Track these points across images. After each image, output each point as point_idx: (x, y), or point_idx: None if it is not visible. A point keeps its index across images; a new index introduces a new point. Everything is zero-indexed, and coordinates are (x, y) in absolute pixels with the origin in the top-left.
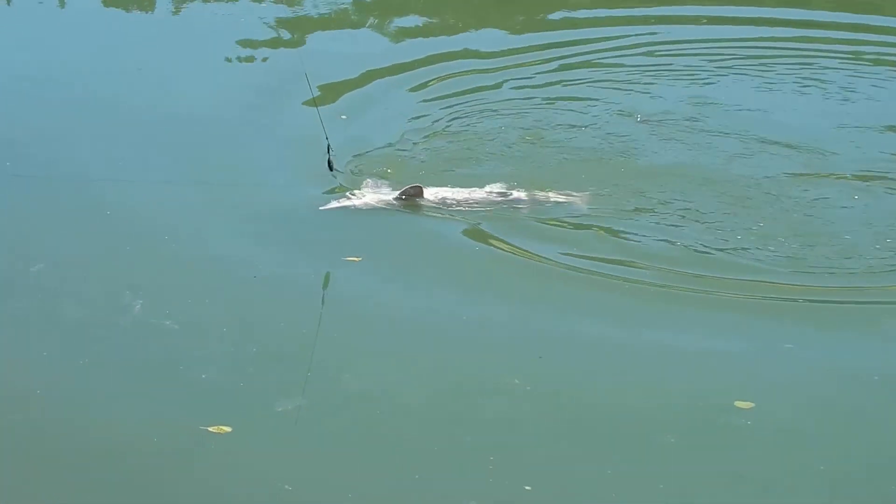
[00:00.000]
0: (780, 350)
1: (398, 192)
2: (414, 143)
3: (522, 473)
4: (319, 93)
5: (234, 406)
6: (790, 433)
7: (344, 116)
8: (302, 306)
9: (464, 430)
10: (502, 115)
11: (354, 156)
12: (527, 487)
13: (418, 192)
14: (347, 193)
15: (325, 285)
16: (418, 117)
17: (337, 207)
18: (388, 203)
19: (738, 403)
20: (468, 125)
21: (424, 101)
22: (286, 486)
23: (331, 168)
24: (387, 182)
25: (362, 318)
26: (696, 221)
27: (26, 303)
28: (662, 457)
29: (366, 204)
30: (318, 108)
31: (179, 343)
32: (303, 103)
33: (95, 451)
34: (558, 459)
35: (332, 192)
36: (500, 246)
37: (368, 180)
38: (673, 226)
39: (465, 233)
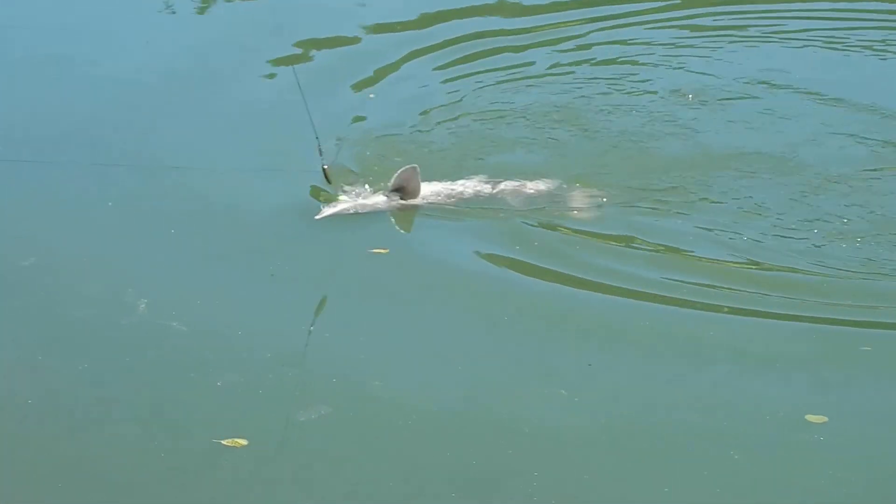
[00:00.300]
0: (855, 359)
1: (392, 182)
2: (418, 125)
3: (570, 491)
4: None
5: (250, 416)
6: (866, 451)
7: (372, 95)
8: (324, 306)
9: (504, 443)
10: (530, 90)
11: (346, 139)
12: None
13: (412, 177)
14: (340, 197)
15: (320, 307)
16: (432, 90)
17: (332, 214)
18: (385, 202)
19: (810, 417)
20: (491, 102)
21: (438, 68)
22: None
23: (328, 180)
24: (373, 183)
25: (391, 319)
26: (761, 217)
27: (17, 301)
28: (726, 475)
29: (362, 206)
30: (304, 91)
31: (188, 347)
32: (274, 64)
33: (95, 467)
34: (610, 476)
35: (319, 194)
36: (544, 250)
37: (360, 184)
38: (729, 231)
39: (500, 234)
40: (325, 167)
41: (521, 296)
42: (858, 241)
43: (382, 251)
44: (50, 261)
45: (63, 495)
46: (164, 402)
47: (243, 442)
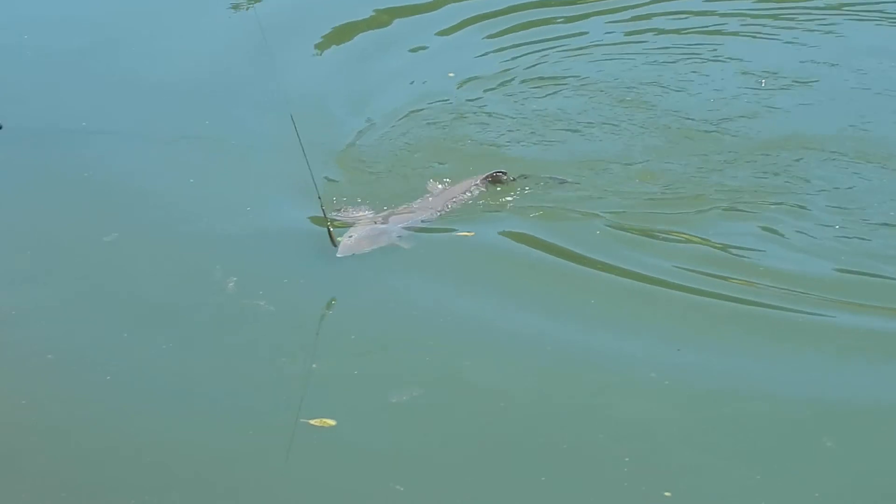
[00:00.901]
0: None
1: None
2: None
3: (661, 478)
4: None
5: (338, 396)
6: None
7: (452, 74)
8: (415, 287)
9: (595, 428)
10: (587, 70)
11: (374, 136)
12: (666, 493)
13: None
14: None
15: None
16: (471, 63)
17: (352, 252)
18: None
19: None
20: (544, 86)
21: (483, 40)
22: (398, 487)
23: (333, 242)
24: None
25: (482, 303)
26: (847, 212)
27: (99, 278)
28: (818, 462)
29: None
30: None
31: (274, 326)
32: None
33: (179, 446)
34: (701, 463)
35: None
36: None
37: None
38: (814, 221)
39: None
40: (330, 228)
41: (613, 278)
42: None
43: (468, 234)
44: (129, 237)
45: (148, 472)
46: (249, 381)
47: (331, 422)
